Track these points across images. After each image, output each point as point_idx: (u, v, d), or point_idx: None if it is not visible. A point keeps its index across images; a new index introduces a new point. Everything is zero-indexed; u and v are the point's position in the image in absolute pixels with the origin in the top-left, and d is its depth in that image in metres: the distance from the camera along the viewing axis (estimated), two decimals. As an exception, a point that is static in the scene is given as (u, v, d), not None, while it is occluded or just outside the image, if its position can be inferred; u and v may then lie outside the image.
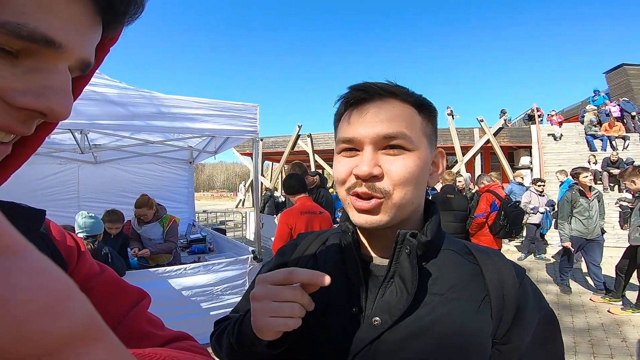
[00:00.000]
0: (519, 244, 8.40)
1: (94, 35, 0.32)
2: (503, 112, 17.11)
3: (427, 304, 0.57)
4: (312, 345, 0.60)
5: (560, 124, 14.05)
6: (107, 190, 5.50)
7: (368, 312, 0.59)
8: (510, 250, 8.05)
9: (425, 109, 0.61)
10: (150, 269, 3.30)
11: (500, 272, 0.59)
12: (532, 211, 6.93)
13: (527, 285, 0.60)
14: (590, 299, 4.85)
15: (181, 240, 5.38)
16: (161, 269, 3.27)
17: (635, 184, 4.30)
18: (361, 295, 0.60)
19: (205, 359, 0.48)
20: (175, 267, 3.32)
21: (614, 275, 5.53)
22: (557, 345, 0.60)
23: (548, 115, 14.73)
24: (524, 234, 7.22)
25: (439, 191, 5.02)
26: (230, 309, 0.77)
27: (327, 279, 0.51)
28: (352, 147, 0.59)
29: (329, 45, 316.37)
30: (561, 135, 13.64)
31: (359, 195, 0.57)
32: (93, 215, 3.13)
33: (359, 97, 0.59)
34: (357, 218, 0.58)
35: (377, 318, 0.57)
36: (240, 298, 0.82)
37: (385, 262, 0.61)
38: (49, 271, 0.20)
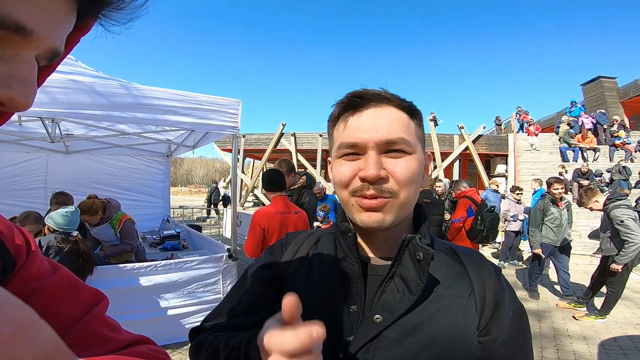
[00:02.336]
0: (494, 250, 8.61)
1: (68, 24, 0.31)
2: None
3: (422, 301, 0.60)
4: None
5: (533, 133, 14.47)
6: (77, 181, 5.27)
7: (367, 310, 0.61)
8: (488, 257, 8.21)
9: (416, 115, 0.65)
10: (119, 265, 3.18)
11: (482, 271, 0.64)
12: (512, 219, 7.05)
13: (503, 282, 0.66)
14: (557, 305, 5.02)
15: (154, 236, 5.24)
16: (130, 265, 3.16)
17: (600, 202, 4.34)
18: (360, 294, 0.62)
19: None
20: (146, 264, 3.21)
21: (579, 282, 5.76)
22: (528, 335, 0.66)
23: (527, 127, 15.09)
24: (501, 240, 7.38)
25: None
26: (202, 307, 0.70)
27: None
28: (354, 152, 0.61)
29: (315, 44, 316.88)
30: (532, 144, 14.06)
31: (365, 197, 0.59)
32: (71, 210, 3.01)
33: (356, 102, 0.62)
34: (364, 217, 0.60)
35: (379, 316, 0.59)
36: (217, 304, 0.76)
37: (382, 262, 0.65)
38: (5, 301, 0.20)
